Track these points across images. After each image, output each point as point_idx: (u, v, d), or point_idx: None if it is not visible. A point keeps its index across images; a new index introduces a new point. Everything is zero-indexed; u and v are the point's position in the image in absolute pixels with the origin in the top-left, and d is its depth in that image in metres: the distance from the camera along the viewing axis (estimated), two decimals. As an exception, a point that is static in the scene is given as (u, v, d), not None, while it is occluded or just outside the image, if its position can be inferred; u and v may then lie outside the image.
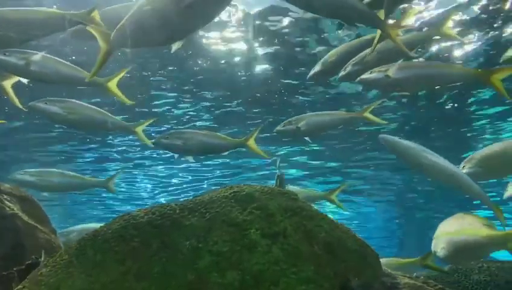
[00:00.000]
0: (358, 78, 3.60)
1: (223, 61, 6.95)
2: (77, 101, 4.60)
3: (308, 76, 4.64)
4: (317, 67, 4.43)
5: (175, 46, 2.91)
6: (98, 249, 2.07)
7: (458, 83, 3.73)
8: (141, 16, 2.66)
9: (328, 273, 2.08)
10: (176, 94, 8.06)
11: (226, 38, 6.38)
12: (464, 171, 3.74)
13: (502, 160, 3.54)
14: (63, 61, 4.12)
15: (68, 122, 4.55)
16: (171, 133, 4.84)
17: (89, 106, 4.67)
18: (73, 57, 6.11)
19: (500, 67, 3.33)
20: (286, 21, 6.06)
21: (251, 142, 4.64)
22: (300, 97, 8.06)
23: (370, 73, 3.46)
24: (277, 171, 3.75)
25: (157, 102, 8.34)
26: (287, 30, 6.23)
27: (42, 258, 2.42)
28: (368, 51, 3.54)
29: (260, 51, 6.77)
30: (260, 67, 7.16)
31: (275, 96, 8.10)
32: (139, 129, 4.86)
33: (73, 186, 5.68)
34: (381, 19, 3.00)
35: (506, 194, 4.49)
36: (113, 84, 4.16)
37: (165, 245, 2.16)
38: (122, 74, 4.19)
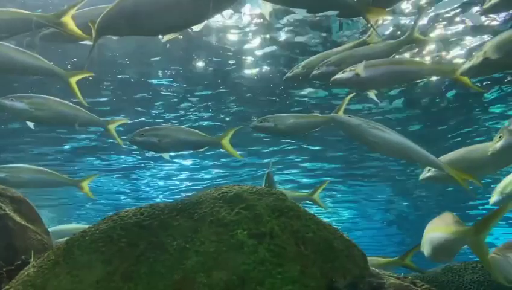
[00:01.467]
0: (332, 79, 3.63)
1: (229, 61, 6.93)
2: (46, 96, 4.43)
3: (285, 76, 4.65)
4: (296, 70, 4.44)
5: (169, 37, 2.84)
6: (85, 250, 2.08)
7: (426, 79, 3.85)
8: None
9: (314, 274, 2.09)
10: (175, 94, 8.05)
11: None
12: (428, 174, 3.82)
13: (465, 165, 3.63)
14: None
15: (36, 119, 4.40)
16: (146, 130, 4.67)
17: (59, 100, 4.49)
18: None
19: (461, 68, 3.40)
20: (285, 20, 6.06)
21: (225, 141, 4.55)
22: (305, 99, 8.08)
23: (342, 73, 3.50)
24: (266, 170, 3.70)
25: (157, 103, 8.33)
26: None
27: (32, 259, 2.44)
28: (342, 51, 3.64)
29: (259, 52, 6.78)
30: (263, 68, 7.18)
31: (279, 95, 8.10)
32: (112, 127, 4.72)
33: (45, 183, 5.42)
34: (361, 5, 2.98)
35: (492, 201, 4.55)
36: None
37: (152, 246, 2.17)
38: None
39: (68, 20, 3.35)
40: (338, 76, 3.54)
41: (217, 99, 8.27)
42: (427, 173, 3.90)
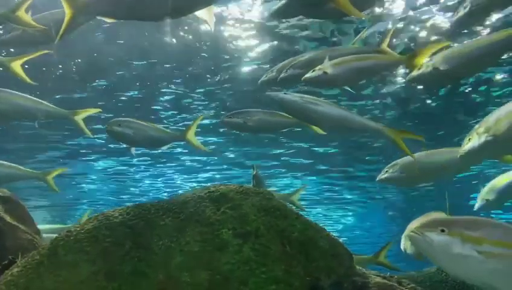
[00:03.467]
0: (302, 78, 3.64)
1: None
2: (1, 89, 4.10)
3: (260, 81, 4.59)
4: (270, 74, 4.40)
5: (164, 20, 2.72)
6: (69, 249, 2.09)
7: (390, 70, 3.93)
8: None
9: (299, 273, 2.09)
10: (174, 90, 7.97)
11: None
12: (386, 175, 3.86)
13: (422, 168, 3.69)
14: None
15: None
16: (122, 121, 4.40)
17: (16, 93, 4.14)
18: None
19: (421, 49, 3.46)
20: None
21: (190, 135, 4.41)
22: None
23: (311, 72, 3.52)
24: (252, 170, 3.66)
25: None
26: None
27: (19, 259, 2.43)
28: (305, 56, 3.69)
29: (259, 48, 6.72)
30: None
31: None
32: (79, 118, 4.38)
33: (7, 177, 5.04)
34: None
35: (476, 207, 4.59)
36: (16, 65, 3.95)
37: (137, 245, 2.17)
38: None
39: (23, 14, 3.26)
40: (307, 75, 3.56)
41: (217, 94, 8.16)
42: (384, 174, 3.93)
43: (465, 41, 4.49)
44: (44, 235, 3.61)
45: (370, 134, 3.67)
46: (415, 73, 3.32)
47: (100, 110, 4.86)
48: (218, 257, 2.08)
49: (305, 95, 3.53)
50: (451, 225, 1.75)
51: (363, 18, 3.16)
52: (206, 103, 8.33)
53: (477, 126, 2.56)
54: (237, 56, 6.76)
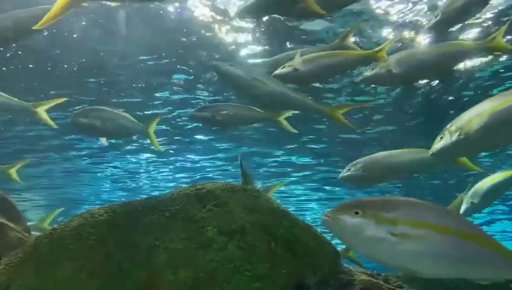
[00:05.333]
0: (272, 75, 3.64)
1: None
2: None
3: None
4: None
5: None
6: (52, 247, 2.07)
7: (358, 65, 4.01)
8: None
9: (284, 271, 2.08)
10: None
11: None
12: (347, 173, 3.89)
13: (382, 167, 3.75)
14: None
15: None
16: (88, 110, 4.18)
17: None
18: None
19: (385, 44, 3.55)
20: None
21: (150, 130, 4.33)
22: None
23: (282, 68, 3.52)
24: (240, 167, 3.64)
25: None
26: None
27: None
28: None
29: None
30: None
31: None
32: (41, 110, 4.19)
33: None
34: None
35: (461, 211, 4.66)
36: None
37: (122, 243, 2.15)
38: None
39: None
40: (277, 71, 3.57)
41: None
42: (346, 172, 3.96)
43: (421, 46, 4.55)
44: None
45: (311, 112, 3.72)
46: (368, 73, 3.38)
47: (66, 99, 4.63)
48: (202, 255, 2.06)
49: (252, 70, 3.48)
50: (366, 206, 1.63)
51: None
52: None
53: (449, 125, 2.56)
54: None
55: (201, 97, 7.66)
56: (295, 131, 4.12)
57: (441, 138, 2.57)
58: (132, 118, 4.39)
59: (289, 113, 4.04)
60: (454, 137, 2.46)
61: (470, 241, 1.64)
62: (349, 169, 3.96)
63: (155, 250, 2.12)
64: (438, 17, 3.55)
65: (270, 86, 3.36)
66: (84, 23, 5.12)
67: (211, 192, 2.37)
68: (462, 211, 4.65)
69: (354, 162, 4.00)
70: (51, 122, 4.27)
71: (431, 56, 3.22)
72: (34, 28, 2.47)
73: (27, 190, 11.26)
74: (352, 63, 3.67)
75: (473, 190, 4.70)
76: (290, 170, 11.44)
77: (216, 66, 3.47)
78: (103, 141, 4.47)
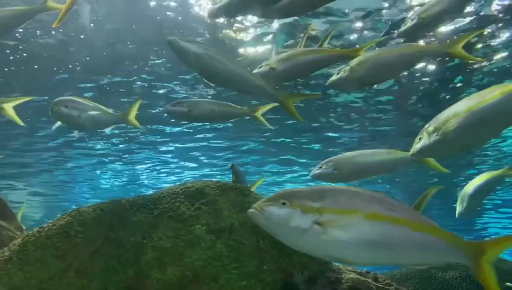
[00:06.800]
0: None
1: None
2: None
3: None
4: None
5: None
6: (39, 246, 2.06)
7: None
8: None
9: (272, 269, 2.07)
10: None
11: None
12: (319, 171, 3.90)
13: (352, 166, 3.79)
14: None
15: None
16: (68, 101, 4.04)
17: None
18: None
19: (360, 46, 3.55)
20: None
21: (131, 117, 4.29)
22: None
23: (259, 68, 3.52)
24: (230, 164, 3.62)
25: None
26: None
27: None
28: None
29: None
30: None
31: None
32: (8, 106, 4.04)
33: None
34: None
35: (457, 214, 4.68)
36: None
37: (109, 241, 2.15)
38: None
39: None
40: (255, 70, 3.56)
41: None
42: (317, 169, 3.97)
43: (382, 48, 4.58)
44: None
45: (267, 97, 3.73)
46: (334, 78, 3.40)
47: (33, 97, 4.46)
48: (189, 253, 2.05)
49: (209, 48, 3.40)
50: (293, 196, 1.58)
51: None
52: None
53: (427, 125, 2.54)
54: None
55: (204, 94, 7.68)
56: (271, 127, 4.12)
57: (420, 138, 2.56)
58: (108, 109, 4.35)
59: (266, 109, 4.05)
60: (432, 138, 2.45)
61: (402, 227, 1.57)
62: (320, 167, 3.99)
63: (142, 248, 2.11)
64: (414, 21, 3.59)
65: (229, 66, 3.30)
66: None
67: (200, 190, 2.36)
68: (456, 214, 4.69)
69: (326, 160, 4.03)
70: (19, 121, 4.11)
71: (391, 57, 3.24)
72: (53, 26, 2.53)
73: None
74: (328, 60, 3.68)
75: (461, 194, 4.74)
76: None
77: (171, 41, 3.30)
78: (76, 134, 4.33)
